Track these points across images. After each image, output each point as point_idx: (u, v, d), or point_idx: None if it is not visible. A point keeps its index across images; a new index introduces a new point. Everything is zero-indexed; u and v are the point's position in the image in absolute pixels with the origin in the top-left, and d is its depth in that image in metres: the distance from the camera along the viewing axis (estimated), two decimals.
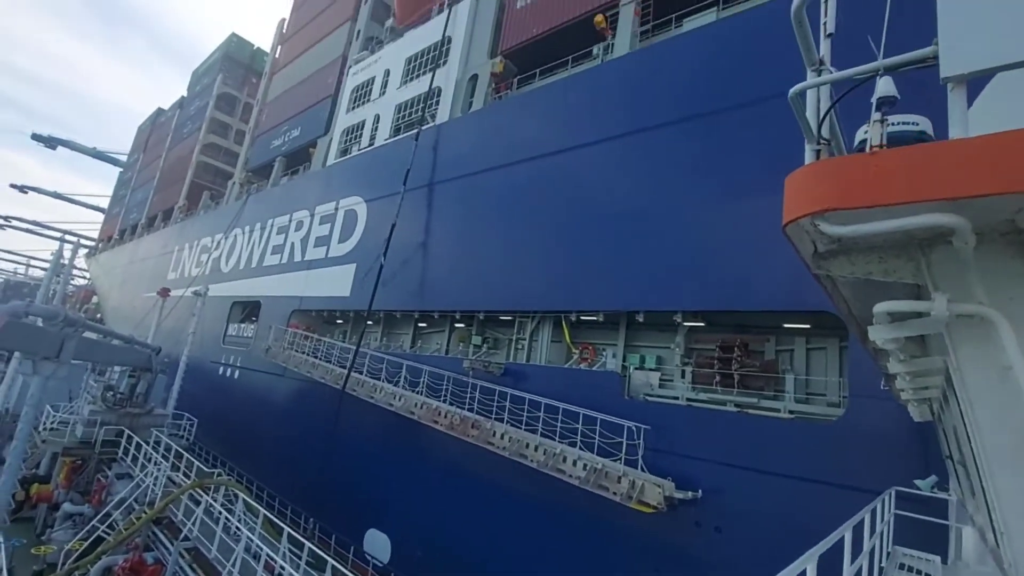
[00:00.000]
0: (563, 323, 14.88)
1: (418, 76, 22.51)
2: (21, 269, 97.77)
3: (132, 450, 17.37)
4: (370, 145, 23.82)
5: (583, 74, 15.85)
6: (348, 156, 24.95)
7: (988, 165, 1.45)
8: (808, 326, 11.46)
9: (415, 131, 19.84)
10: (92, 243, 62.84)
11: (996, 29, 1.59)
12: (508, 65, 19.25)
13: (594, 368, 13.88)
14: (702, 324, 12.96)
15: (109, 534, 13.54)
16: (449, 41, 21.28)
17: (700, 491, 10.22)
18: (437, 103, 20.73)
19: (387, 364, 16.91)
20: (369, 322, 20.14)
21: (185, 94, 54.57)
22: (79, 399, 21.60)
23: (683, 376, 12.57)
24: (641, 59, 14.44)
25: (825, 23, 2.31)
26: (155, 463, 15.52)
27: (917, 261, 1.97)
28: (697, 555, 10.34)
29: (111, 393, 19.89)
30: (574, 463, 11.22)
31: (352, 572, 10.47)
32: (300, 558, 10.88)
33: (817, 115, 2.09)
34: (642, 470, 10.66)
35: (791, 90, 2.10)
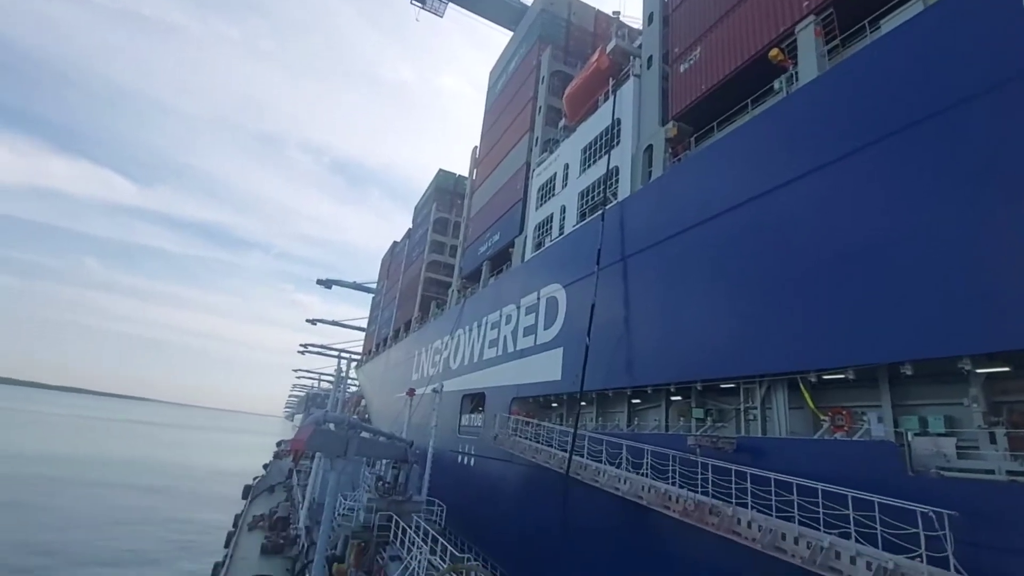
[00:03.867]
0: (801, 386, 12.85)
1: (595, 162, 23.83)
2: (316, 383, 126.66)
3: (399, 534, 19.95)
4: (560, 234, 25.51)
5: (773, 108, 14.71)
6: (542, 249, 27.04)
7: None
8: None
9: (599, 212, 20.69)
10: (359, 357, 78.27)
11: None
12: (682, 127, 19.15)
13: (855, 437, 11.45)
14: (1006, 369, 9.84)
15: None
16: (619, 122, 22.31)
17: None
18: (617, 182, 21.48)
19: (606, 445, 16.62)
20: (583, 403, 20.34)
21: (411, 226, 67.04)
22: (359, 489, 25.99)
23: (993, 441, 9.51)
24: (845, 72, 12.81)
25: None
26: (417, 547, 17.46)
27: None
28: None
29: (381, 483, 23.55)
30: (852, 560, 9.06)
31: None
32: None
33: None
34: (956, 572, 8.06)
35: None
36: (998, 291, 9.06)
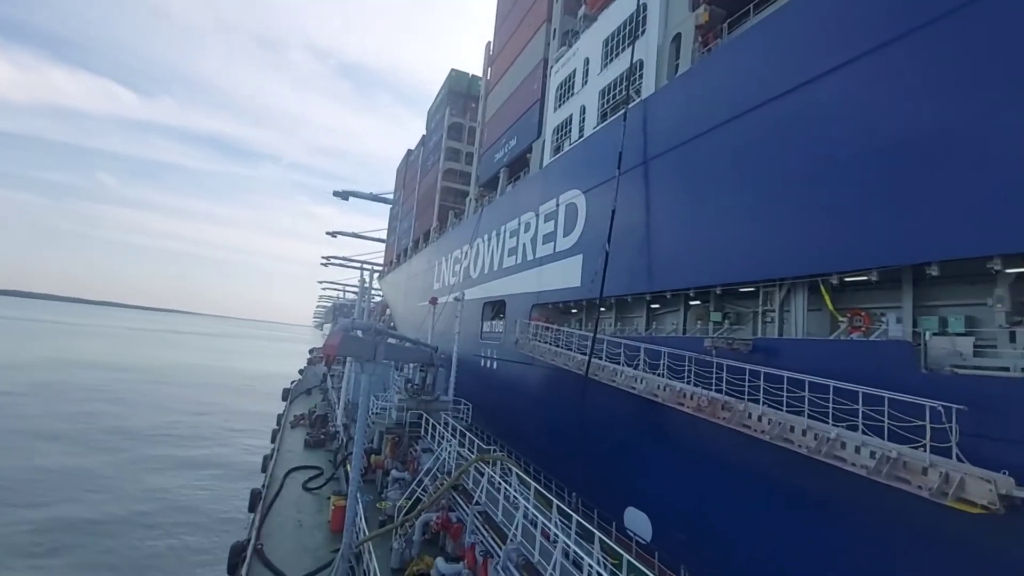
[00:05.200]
0: (822, 288, 12.83)
1: (617, 55, 22.16)
2: (341, 294, 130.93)
3: (430, 429, 21.65)
4: (580, 137, 24.48)
5: None
6: (561, 153, 26.12)
7: None
8: None
9: (621, 112, 19.62)
10: (380, 268, 79.79)
11: None
12: (714, 12, 17.44)
13: (872, 338, 11.61)
14: None
15: (424, 495, 17.13)
16: (644, 8, 20.37)
17: None
18: (640, 77, 20.10)
19: (624, 348, 17.18)
20: (602, 309, 20.73)
21: (424, 132, 64.83)
22: (390, 390, 27.81)
23: (1013, 340, 9.55)
24: None
25: None
26: (447, 440, 18.99)
27: None
28: None
29: (409, 385, 25.14)
30: (857, 450, 9.59)
31: (617, 546, 11.00)
32: (570, 528, 11.96)
33: None
34: (958, 460, 8.51)
35: None
36: None
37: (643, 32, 20.25)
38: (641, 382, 15.57)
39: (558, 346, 21.33)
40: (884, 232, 10.86)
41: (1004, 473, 7.92)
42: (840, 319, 12.55)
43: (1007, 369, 9.29)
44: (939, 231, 9.94)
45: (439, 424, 21.39)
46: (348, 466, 21.57)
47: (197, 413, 53.53)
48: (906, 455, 8.96)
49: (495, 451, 18.87)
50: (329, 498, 19.87)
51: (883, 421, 9.49)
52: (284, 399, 48.87)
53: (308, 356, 79.48)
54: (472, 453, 18.18)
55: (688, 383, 14.18)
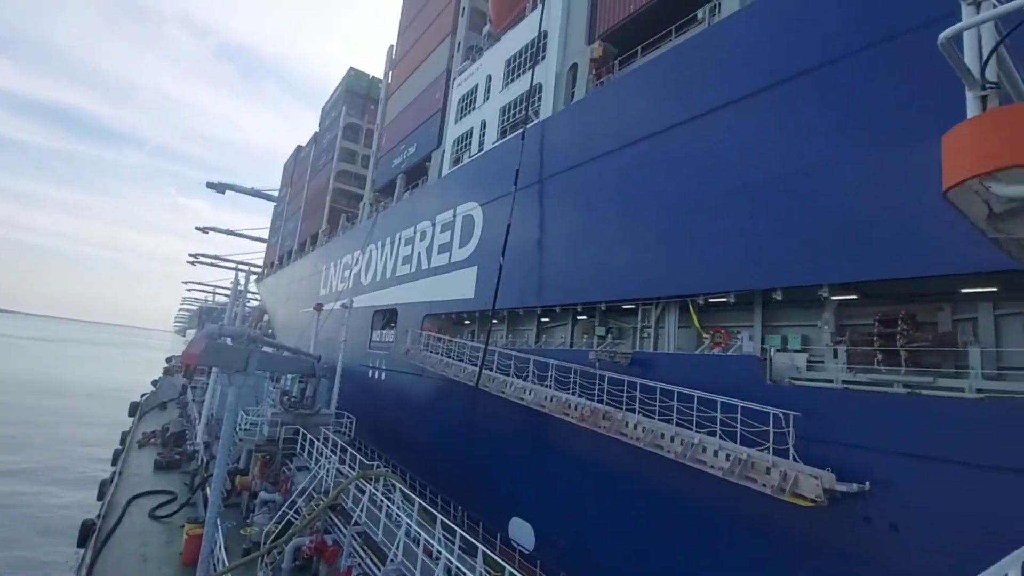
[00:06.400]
0: (690, 308, 14.20)
1: (518, 76, 22.91)
2: (210, 297, 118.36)
3: (307, 446, 20.15)
4: (480, 151, 24.79)
5: (692, 40, 14.86)
6: (460, 165, 26.21)
7: None
8: (995, 289, 9.65)
9: (520, 131, 20.24)
10: (259, 270, 73.50)
11: None
12: (607, 48, 18.80)
13: (729, 352, 13.05)
14: (854, 297, 11.53)
15: (296, 518, 15.85)
16: (545, 35, 21.36)
17: (868, 484, 9.13)
18: (539, 99, 20.93)
19: (515, 360, 17.51)
20: (494, 321, 20.97)
21: (318, 129, 61.46)
22: (263, 403, 25.49)
23: (836, 356, 11.31)
24: (759, 11, 13.12)
25: None
26: (326, 457, 17.81)
27: None
28: (869, 555, 9.26)
29: (286, 397, 23.26)
30: (715, 453, 10.66)
31: (500, 558, 11.05)
32: (453, 543, 11.77)
33: (979, 56, 1.75)
34: (794, 460, 9.81)
35: (942, 36, 1.77)
36: (854, 230, 10.41)
37: (543, 58, 21.18)
38: (530, 394, 15.95)
39: (450, 357, 21.15)
40: (740, 261, 12.37)
41: (827, 470, 9.29)
42: (704, 336, 13.97)
43: (831, 381, 10.95)
44: (782, 262, 11.56)
45: (318, 439, 20.01)
46: (207, 489, 19.29)
47: (24, 423, 44.72)
48: (754, 457, 10.14)
49: (379, 467, 18.08)
50: (182, 526, 17.56)
51: (736, 427, 10.70)
52: (132, 415, 42.57)
53: (165, 365, 70.33)
54: (354, 470, 17.25)
55: (574, 394, 14.80)
